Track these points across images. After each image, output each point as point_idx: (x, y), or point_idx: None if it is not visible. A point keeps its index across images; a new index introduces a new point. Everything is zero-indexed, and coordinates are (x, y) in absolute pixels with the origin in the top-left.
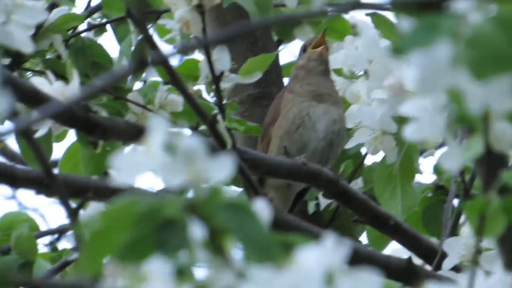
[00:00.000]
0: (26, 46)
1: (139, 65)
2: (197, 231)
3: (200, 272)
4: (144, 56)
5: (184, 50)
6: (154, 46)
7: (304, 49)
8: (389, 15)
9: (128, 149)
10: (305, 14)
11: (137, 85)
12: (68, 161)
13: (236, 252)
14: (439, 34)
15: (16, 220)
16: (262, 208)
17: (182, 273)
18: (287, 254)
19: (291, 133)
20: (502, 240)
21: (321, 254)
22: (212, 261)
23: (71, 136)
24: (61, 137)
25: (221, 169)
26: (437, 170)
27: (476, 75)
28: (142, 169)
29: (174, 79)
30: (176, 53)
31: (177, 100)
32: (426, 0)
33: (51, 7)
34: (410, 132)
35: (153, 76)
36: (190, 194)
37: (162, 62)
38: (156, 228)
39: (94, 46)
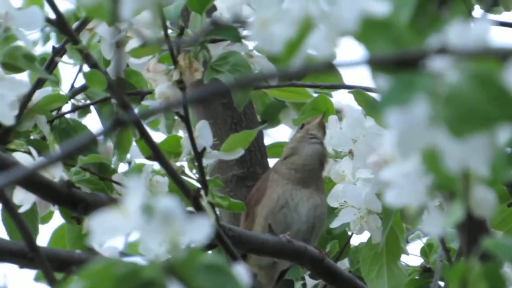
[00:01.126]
0: (6, 118)
1: (114, 124)
2: None
3: None
4: (120, 116)
5: (161, 110)
6: (129, 108)
7: (302, 127)
8: (372, 94)
9: (105, 211)
10: (282, 74)
11: (122, 167)
12: (55, 244)
13: None
14: (415, 92)
15: None
16: (242, 273)
17: None
18: None
19: (275, 213)
20: None
21: None
22: None
23: (57, 220)
24: (46, 219)
25: (198, 230)
26: (424, 252)
27: (454, 133)
28: (119, 231)
29: (156, 153)
30: (151, 114)
31: (162, 181)
32: (403, 58)
33: (37, 84)
34: (391, 198)
35: (138, 157)
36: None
37: (142, 134)
38: None
39: (78, 127)
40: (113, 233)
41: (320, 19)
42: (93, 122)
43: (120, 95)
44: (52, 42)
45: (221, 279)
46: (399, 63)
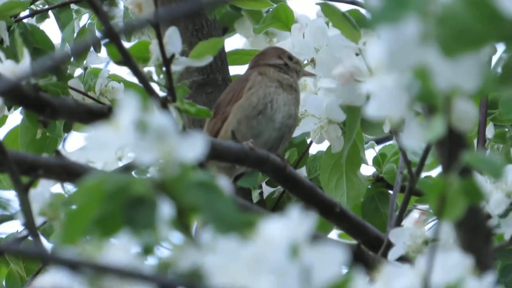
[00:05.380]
0: None
1: (107, 35)
2: (165, 209)
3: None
4: (111, 25)
5: (135, 27)
6: (107, 22)
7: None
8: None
9: (99, 126)
10: None
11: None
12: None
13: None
14: (407, 10)
15: None
16: (225, 186)
17: (148, 250)
18: (252, 230)
19: (250, 118)
20: (460, 222)
21: (286, 227)
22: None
23: (10, 123)
24: (1, 123)
25: (192, 148)
26: (376, 162)
27: (445, 52)
28: (112, 146)
29: (127, 58)
30: (128, 30)
31: (117, 87)
32: None
33: None
34: (372, 110)
35: (94, 63)
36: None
37: (115, 39)
38: (125, 206)
39: (36, 32)
40: (105, 148)
41: None
42: (51, 27)
43: (107, 22)
44: None
45: (211, 196)
46: None
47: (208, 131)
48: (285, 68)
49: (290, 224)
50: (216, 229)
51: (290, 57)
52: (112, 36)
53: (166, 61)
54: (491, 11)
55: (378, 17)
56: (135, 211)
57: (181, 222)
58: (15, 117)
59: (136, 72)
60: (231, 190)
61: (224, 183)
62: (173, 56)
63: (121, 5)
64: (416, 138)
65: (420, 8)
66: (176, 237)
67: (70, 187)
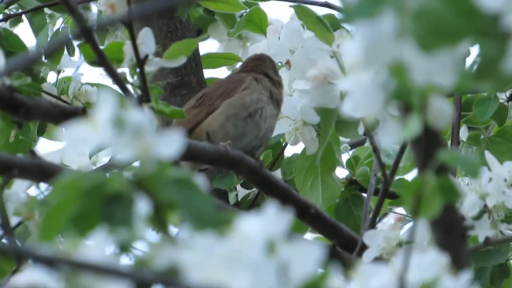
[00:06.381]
0: None
1: (81, 34)
2: (142, 206)
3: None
4: (86, 24)
5: (108, 26)
6: (82, 21)
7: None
8: (313, 8)
9: (76, 123)
10: None
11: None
12: None
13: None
14: (384, 6)
15: None
16: (202, 183)
17: (125, 247)
18: (229, 227)
19: (238, 118)
20: (435, 221)
21: (263, 223)
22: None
23: None
24: None
25: (169, 145)
26: (350, 164)
27: (422, 48)
28: (89, 143)
29: (102, 59)
30: (101, 28)
31: (91, 90)
32: None
33: None
34: (348, 108)
35: (68, 66)
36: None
37: (90, 38)
38: (102, 203)
39: (10, 36)
40: (82, 145)
41: None
42: (24, 31)
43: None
44: None
45: (188, 193)
46: None
47: (188, 120)
48: (277, 84)
49: (267, 221)
50: (193, 226)
51: (276, 72)
52: (87, 35)
53: (140, 61)
54: (467, 6)
55: (355, 13)
56: (112, 208)
57: (158, 219)
58: None
59: (111, 72)
60: (207, 188)
61: (200, 180)
62: (146, 56)
63: (95, 9)
64: (392, 136)
65: (396, 3)
66: (153, 234)
67: (45, 188)
